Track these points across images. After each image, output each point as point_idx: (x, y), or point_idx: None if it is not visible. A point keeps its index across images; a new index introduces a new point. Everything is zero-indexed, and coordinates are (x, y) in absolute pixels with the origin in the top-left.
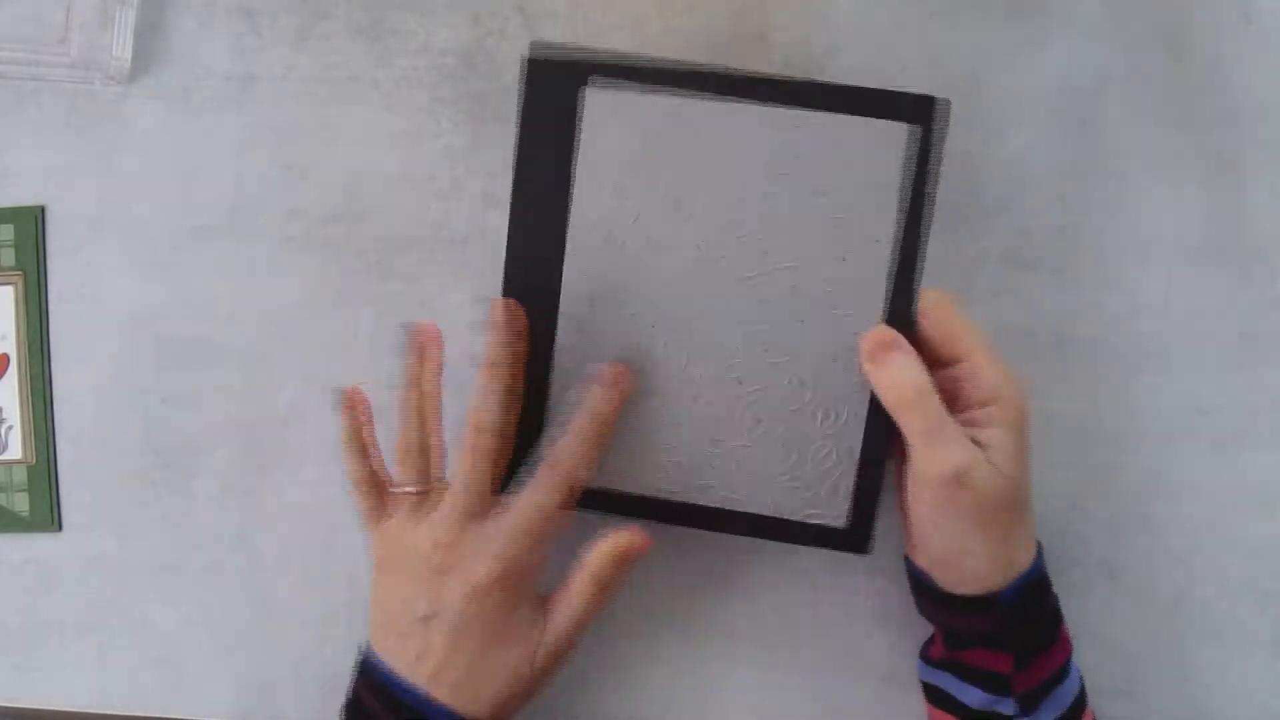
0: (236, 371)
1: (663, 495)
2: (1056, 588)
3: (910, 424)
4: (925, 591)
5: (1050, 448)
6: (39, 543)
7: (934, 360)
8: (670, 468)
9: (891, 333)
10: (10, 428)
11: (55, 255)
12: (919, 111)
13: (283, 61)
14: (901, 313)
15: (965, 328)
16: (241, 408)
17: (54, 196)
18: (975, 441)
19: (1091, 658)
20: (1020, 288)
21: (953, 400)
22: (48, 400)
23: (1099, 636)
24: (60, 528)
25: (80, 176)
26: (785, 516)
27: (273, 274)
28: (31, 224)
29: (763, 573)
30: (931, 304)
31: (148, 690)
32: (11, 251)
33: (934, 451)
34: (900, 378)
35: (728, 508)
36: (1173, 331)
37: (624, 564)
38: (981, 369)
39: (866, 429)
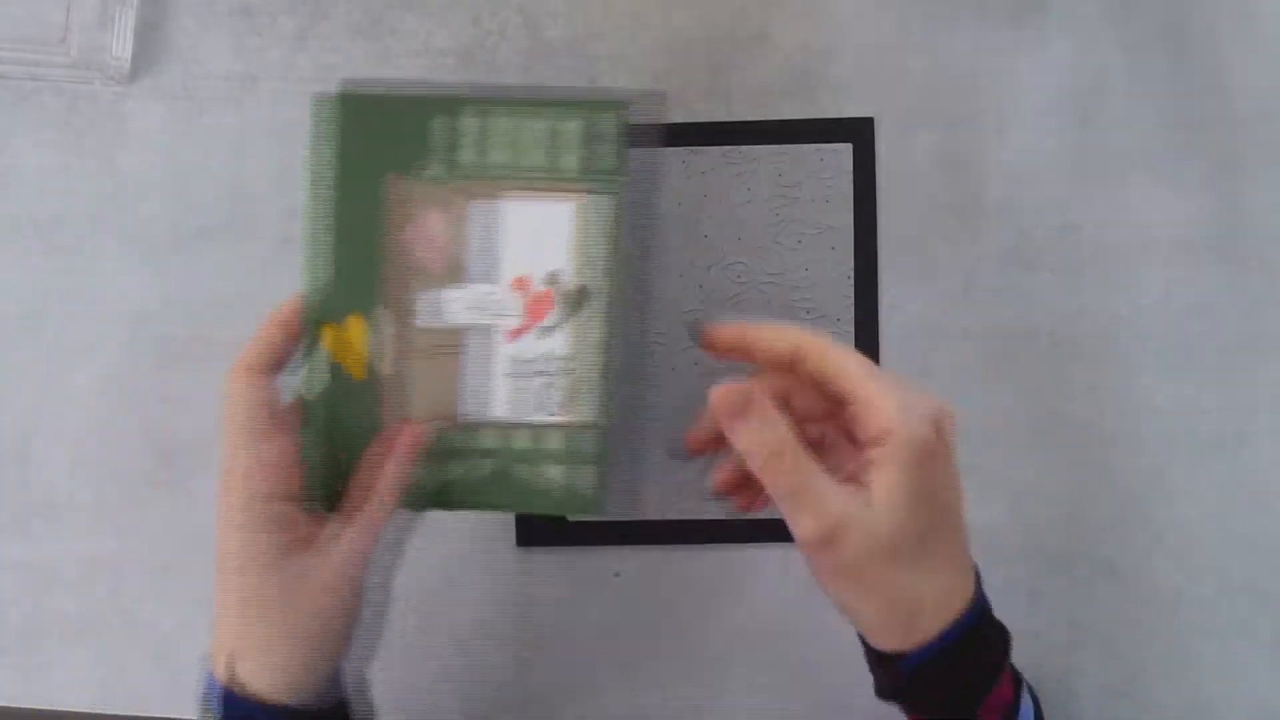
0: None
1: (687, 515)
2: (1057, 587)
3: (772, 490)
4: None
5: (1050, 448)
6: (39, 543)
7: (831, 402)
8: (686, 489)
9: (735, 394)
10: (550, 382)
11: (63, 252)
12: (857, 131)
13: (283, 61)
14: (868, 312)
15: (839, 362)
16: None
17: (54, 196)
18: (862, 487)
19: (1091, 658)
20: (1020, 288)
21: (850, 444)
22: (609, 347)
23: (1099, 636)
24: (602, 510)
25: (80, 176)
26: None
27: (273, 274)
28: (615, 118)
29: (763, 573)
30: (794, 347)
31: (148, 690)
32: (577, 160)
33: (797, 516)
34: (751, 442)
35: (742, 517)
36: (1173, 331)
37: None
38: (868, 404)
39: None
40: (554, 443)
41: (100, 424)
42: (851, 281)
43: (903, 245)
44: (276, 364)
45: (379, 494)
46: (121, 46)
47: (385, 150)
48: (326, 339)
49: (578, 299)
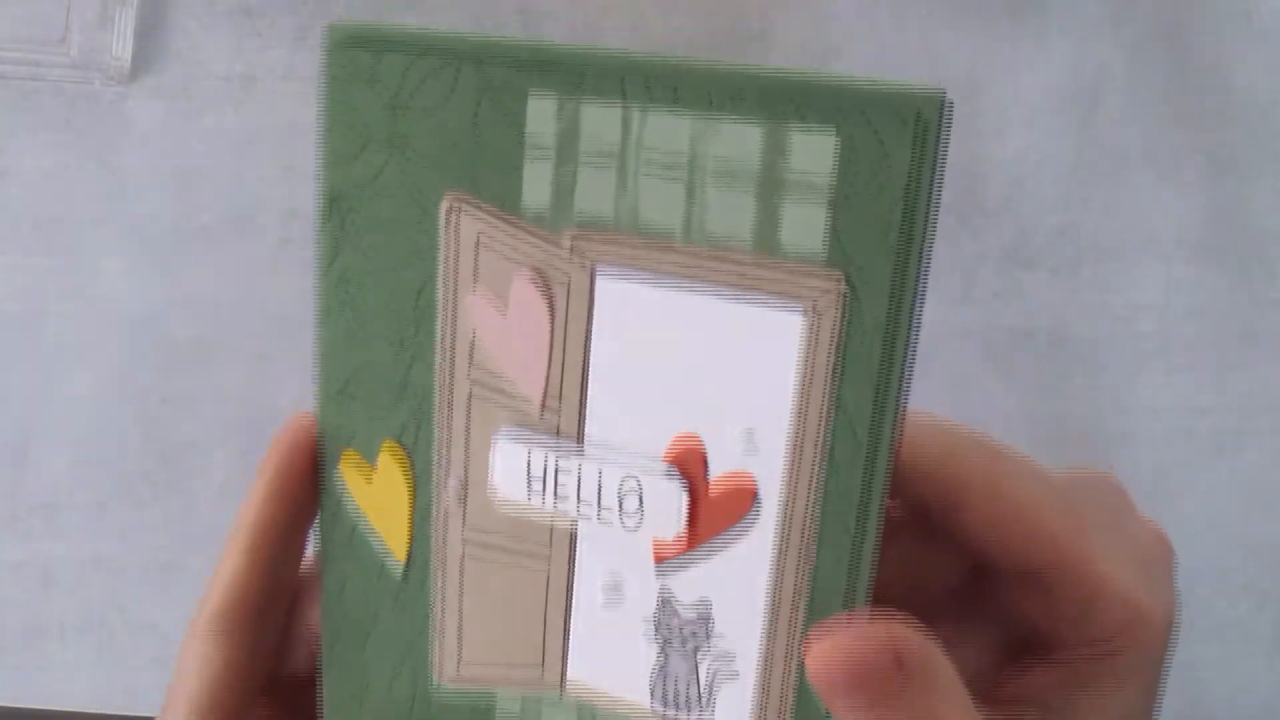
0: (236, 371)
1: None
2: None
3: None
4: None
5: (1050, 448)
6: (39, 543)
7: (981, 558)
8: None
9: (874, 645)
10: (730, 658)
11: (63, 252)
12: None
13: (283, 61)
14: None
15: (1029, 509)
16: (241, 408)
17: (54, 196)
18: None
19: None
20: (1020, 288)
21: (1027, 639)
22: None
23: None
24: None
25: (80, 176)
26: None
27: (273, 274)
28: (910, 136)
29: None
30: (964, 464)
31: (148, 690)
32: (821, 221)
33: None
34: None
35: None
36: (1173, 331)
37: None
38: (1095, 586)
39: None
40: None
41: (100, 424)
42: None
43: None
44: (258, 612)
45: None
46: (121, 46)
47: (443, 146)
48: (347, 471)
49: (801, 497)
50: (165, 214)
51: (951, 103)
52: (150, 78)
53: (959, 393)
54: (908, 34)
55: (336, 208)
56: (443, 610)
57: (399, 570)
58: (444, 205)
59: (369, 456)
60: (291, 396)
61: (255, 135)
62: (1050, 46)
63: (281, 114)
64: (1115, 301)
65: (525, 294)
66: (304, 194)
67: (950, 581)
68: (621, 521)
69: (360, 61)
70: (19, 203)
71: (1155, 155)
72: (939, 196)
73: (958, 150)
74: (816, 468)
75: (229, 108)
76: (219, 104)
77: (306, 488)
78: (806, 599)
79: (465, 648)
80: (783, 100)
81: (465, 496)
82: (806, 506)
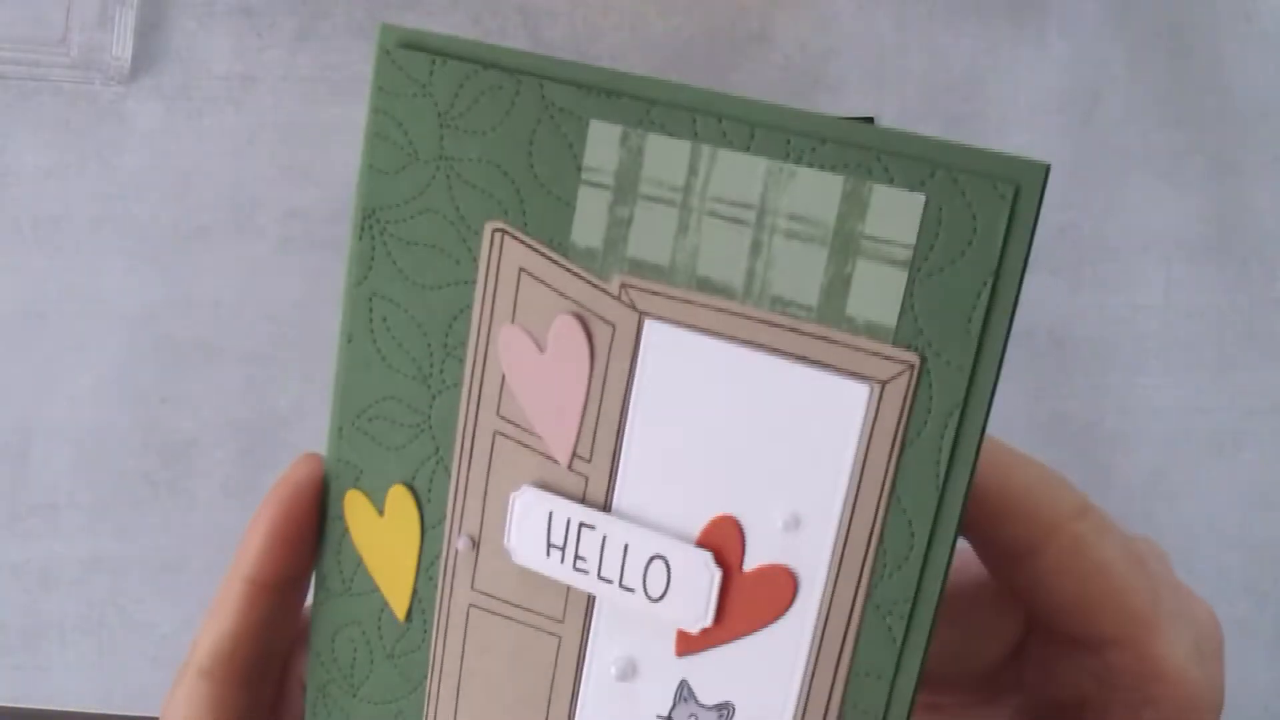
0: (236, 371)
1: None
2: None
3: None
4: None
5: (1050, 448)
6: (39, 543)
7: (1046, 624)
8: None
9: None
10: None
11: (63, 252)
12: None
13: (283, 61)
14: None
15: (1126, 572)
16: (241, 408)
17: (54, 196)
18: None
19: None
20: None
21: (1066, 710)
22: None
23: None
24: None
25: (80, 176)
26: None
27: (273, 274)
28: (1006, 210)
29: None
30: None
31: (148, 690)
32: (896, 291)
33: None
34: None
35: None
36: (1173, 331)
37: None
38: (1156, 660)
39: None
40: None
41: (100, 424)
42: None
43: None
44: (252, 665)
45: None
46: (121, 46)
47: (493, 170)
48: (351, 513)
49: (845, 596)
50: (165, 214)
51: (1041, 166)
52: (150, 78)
53: None
54: (908, 34)
55: (372, 223)
56: (442, 667)
57: (398, 621)
58: (487, 231)
59: (377, 498)
60: (291, 397)
61: (255, 135)
62: (1050, 46)
63: (281, 114)
64: (1115, 301)
65: (567, 333)
66: (304, 194)
67: (993, 656)
68: (645, 599)
69: (415, 68)
70: (19, 203)
71: (1155, 155)
72: (1025, 273)
73: None
74: (865, 565)
75: (229, 108)
76: (219, 104)
77: (309, 535)
78: (837, 714)
79: (462, 708)
80: (868, 154)
81: (477, 550)
82: (850, 607)
